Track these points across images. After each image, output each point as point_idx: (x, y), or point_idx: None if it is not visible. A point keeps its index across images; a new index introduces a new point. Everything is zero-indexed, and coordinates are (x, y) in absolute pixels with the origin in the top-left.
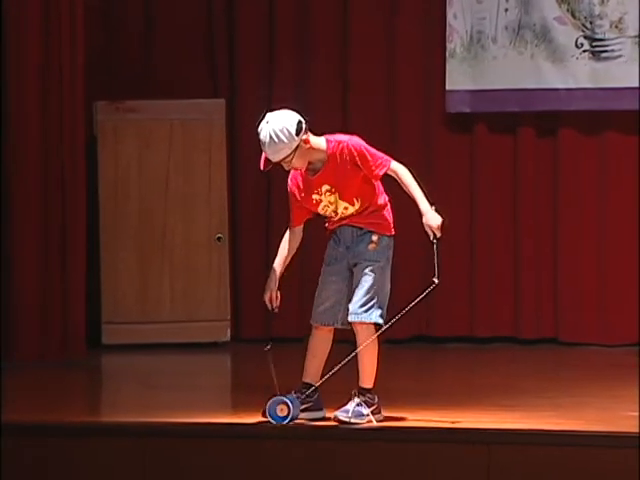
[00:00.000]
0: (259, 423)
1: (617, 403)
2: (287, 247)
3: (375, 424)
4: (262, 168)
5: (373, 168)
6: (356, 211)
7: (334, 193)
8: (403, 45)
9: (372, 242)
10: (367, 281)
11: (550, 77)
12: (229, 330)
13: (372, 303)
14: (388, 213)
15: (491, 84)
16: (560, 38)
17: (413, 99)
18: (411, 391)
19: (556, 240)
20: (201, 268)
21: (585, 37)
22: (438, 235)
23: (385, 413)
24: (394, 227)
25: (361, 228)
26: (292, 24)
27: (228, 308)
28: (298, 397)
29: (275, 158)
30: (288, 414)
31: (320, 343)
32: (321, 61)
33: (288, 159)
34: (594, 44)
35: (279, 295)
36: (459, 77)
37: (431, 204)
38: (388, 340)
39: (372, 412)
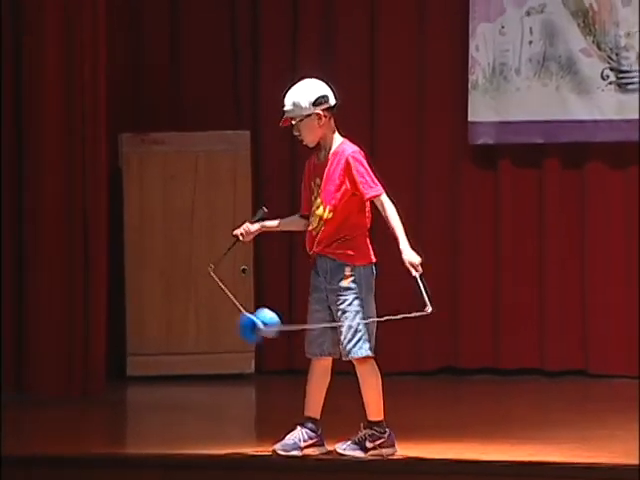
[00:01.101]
0: (282, 455)
1: None
2: (291, 219)
3: (384, 457)
4: (280, 123)
5: (363, 187)
6: (324, 224)
7: (320, 191)
8: (430, 77)
9: (345, 277)
10: (348, 317)
11: (575, 109)
12: (253, 362)
13: (358, 337)
14: (365, 241)
15: (514, 116)
16: (586, 70)
17: (439, 132)
18: (436, 423)
19: (583, 272)
20: (226, 300)
21: (611, 69)
22: (419, 271)
23: (409, 445)
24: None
25: (334, 260)
26: (316, 56)
27: None
28: (306, 432)
29: (287, 113)
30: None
31: (318, 376)
32: (346, 94)
33: (295, 121)
34: (620, 76)
35: (250, 230)
36: (481, 109)
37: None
38: (415, 372)
39: (381, 445)
